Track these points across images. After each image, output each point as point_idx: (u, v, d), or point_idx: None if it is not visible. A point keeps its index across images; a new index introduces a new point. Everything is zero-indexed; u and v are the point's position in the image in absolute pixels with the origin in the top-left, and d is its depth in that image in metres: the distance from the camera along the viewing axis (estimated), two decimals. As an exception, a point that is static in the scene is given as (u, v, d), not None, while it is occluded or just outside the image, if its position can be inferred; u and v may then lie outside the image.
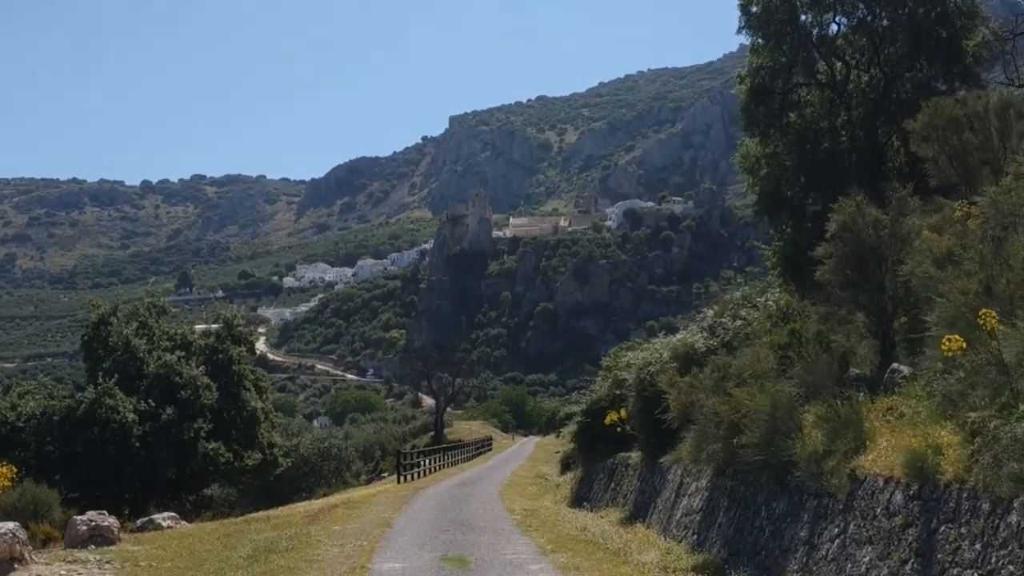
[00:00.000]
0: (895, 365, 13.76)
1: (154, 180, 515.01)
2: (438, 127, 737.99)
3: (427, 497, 30.26)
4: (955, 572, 8.80)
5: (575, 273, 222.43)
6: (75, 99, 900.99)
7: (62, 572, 15.13)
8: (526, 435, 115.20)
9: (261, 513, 30.55)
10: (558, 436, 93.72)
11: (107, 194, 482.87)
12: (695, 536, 16.78)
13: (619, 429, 26.53)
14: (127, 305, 47.19)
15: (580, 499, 29.90)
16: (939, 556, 9.08)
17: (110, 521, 20.03)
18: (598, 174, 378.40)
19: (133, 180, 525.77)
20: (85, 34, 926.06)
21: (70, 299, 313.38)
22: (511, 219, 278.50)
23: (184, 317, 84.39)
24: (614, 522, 21.95)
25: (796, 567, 12.24)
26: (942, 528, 9.21)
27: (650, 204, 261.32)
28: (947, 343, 9.70)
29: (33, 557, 15.95)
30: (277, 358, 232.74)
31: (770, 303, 22.39)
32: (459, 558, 15.52)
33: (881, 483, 10.64)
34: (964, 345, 9.60)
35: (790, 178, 28.70)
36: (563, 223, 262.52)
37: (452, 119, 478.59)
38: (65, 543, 19.52)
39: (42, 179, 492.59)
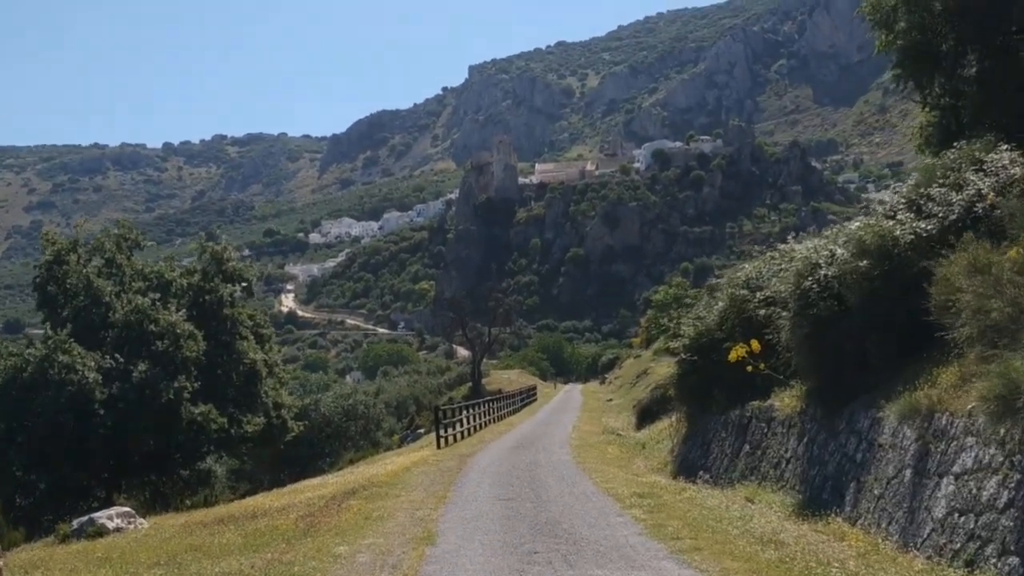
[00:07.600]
0: None
1: (175, 142, 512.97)
2: (458, 77, 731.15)
3: (481, 472, 21.59)
4: None
5: (605, 217, 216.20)
6: (93, 62, 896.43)
7: None
8: (566, 382, 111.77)
9: (249, 501, 22.38)
10: (603, 383, 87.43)
11: (129, 158, 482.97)
12: (1013, 558, 8.72)
13: (749, 368, 18.45)
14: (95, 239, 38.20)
15: (692, 466, 21.52)
16: None
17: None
18: (622, 118, 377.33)
19: (155, 143, 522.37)
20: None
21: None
22: (537, 165, 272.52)
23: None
24: (782, 514, 13.96)
25: None
26: None
27: (678, 144, 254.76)
28: None
29: None
30: (307, 314, 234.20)
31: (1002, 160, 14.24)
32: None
33: None
34: None
35: (942, 28, 20.32)
36: (590, 167, 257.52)
37: (472, 68, 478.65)
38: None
39: (64, 145, 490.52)
